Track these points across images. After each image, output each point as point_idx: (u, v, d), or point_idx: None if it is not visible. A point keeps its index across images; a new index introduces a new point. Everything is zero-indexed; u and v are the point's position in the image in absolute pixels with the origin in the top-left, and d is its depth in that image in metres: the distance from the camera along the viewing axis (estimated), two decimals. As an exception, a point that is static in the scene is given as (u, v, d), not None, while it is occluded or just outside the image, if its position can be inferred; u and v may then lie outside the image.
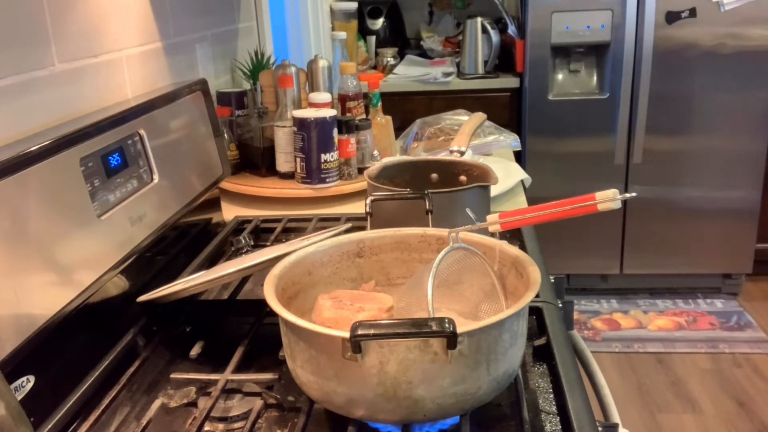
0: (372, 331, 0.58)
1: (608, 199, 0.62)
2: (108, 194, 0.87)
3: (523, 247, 1.10)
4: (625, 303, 2.80)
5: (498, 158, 1.57)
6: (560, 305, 0.98)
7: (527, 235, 1.14)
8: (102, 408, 0.73)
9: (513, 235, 1.14)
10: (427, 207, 0.89)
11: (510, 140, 1.60)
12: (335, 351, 0.63)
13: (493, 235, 0.82)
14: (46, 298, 0.75)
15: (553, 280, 1.07)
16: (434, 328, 0.57)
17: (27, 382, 0.70)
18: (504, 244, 0.79)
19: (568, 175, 2.73)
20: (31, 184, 0.74)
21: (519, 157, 2.66)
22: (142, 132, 0.97)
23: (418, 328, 0.58)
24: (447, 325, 0.57)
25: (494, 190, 1.26)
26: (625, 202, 2.73)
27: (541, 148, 2.71)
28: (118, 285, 0.91)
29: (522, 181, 1.43)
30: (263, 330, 0.89)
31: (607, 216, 2.74)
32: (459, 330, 0.59)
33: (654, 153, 2.66)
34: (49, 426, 0.70)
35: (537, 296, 0.93)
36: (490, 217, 0.71)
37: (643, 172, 2.69)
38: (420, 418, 0.66)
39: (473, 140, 1.60)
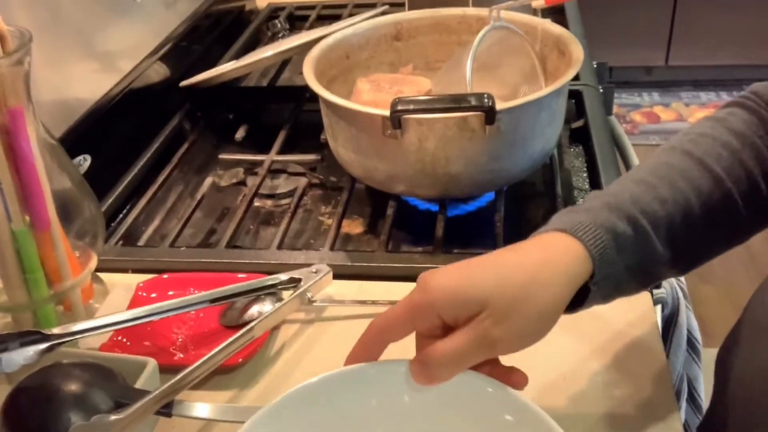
0: (412, 107, 0.59)
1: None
2: (140, -24, 0.85)
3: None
4: (667, 96, 2.74)
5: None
6: (601, 90, 0.96)
7: (571, 18, 1.10)
8: (157, 185, 0.78)
9: (556, 19, 1.10)
10: (467, -14, 0.85)
11: None
12: (376, 129, 0.64)
13: (536, 14, 0.79)
14: (91, 82, 0.77)
15: (595, 65, 1.04)
16: (473, 102, 0.58)
17: (84, 161, 0.75)
18: (547, 23, 0.77)
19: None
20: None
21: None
22: None
23: (456, 103, 0.59)
24: (486, 100, 0.58)
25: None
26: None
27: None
28: (159, 71, 0.92)
29: (569, -38, 1.33)
30: (303, 115, 0.90)
31: (656, 3, 2.59)
32: (498, 107, 0.60)
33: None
34: (110, 200, 0.75)
35: (577, 79, 0.92)
36: (534, -8, 0.68)
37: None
38: (457, 193, 0.69)
39: None
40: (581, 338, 0.55)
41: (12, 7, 0.66)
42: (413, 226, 0.72)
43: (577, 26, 1.08)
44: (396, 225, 0.71)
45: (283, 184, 0.81)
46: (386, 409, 0.42)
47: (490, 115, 0.58)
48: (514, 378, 0.41)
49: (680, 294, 0.70)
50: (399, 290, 0.55)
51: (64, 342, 0.51)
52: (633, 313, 0.57)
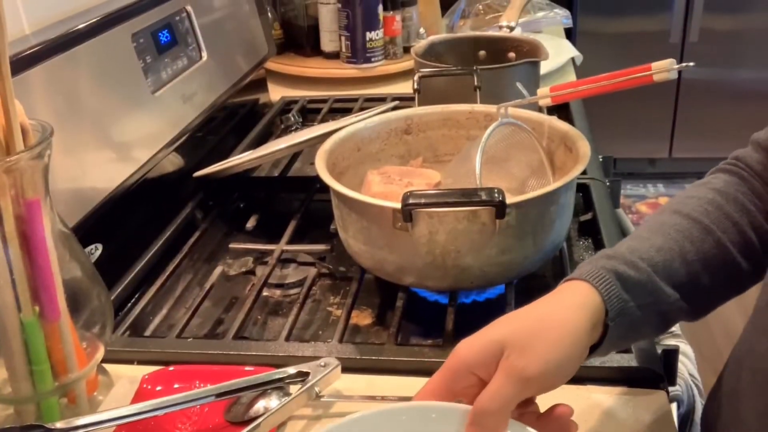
0: (423, 201, 0.59)
1: (664, 69, 0.60)
2: (160, 71, 0.88)
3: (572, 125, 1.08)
4: (672, 187, 2.77)
5: (548, 35, 1.52)
6: (607, 183, 0.98)
7: (576, 114, 1.13)
8: (167, 274, 0.78)
9: (562, 115, 1.12)
10: (476, 83, 0.88)
11: (561, 16, 1.53)
12: (386, 221, 0.65)
13: (542, 111, 0.81)
14: (107, 173, 0.79)
15: (601, 159, 1.06)
16: (483, 197, 0.59)
17: (96, 250, 0.75)
18: (554, 119, 0.79)
19: (620, 56, 2.63)
20: (84, 61, 0.76)
21: (570, 36, 2.57)
22: (189, 8, 0.97)
23: (467, 197, 0.60)
24: (496, 194, 0.59)
25: (544, 68, 1.23)
26: (678, 83, 2.64)
27: (593, 28, 2.60)
28: (173, 162, 0.94)
29: (573, 59, 1.38)
30: (313, 205, 0.91)
31: (659, 97, 2.66)
32: (508, 201, 0.60)
33: (712, 32, 2.53)
34: (119, 290, 0.75)
35: (584, 173, 0.93)
36: (540, 91, 0.70)
37: (700, 51, 2.57)
38: (467, 285, 0.69)
39: (522, 17, 1.55)
40: (597, 439, 0.54)
41: (32, 97, 0.69)
42: (423, 317, 0.72)
43: (582, 121, 1.11)
44: (405, 317, 0.70)
45: (292, 274, 0.81)
46: None
47: (500, 209, 0.59)
48: (558, 410, 0.43)
49: (695, 391, 0.69)
50: (409, 385, 0.54)
51: (67, 437, 0.50)
52: (648, 413, 0.56)
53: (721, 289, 0.51)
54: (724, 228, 0.50)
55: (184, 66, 0.94)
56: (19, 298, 0.52)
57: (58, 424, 0.50)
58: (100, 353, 0.58)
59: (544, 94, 0.70)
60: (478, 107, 0.85)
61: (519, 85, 0.79)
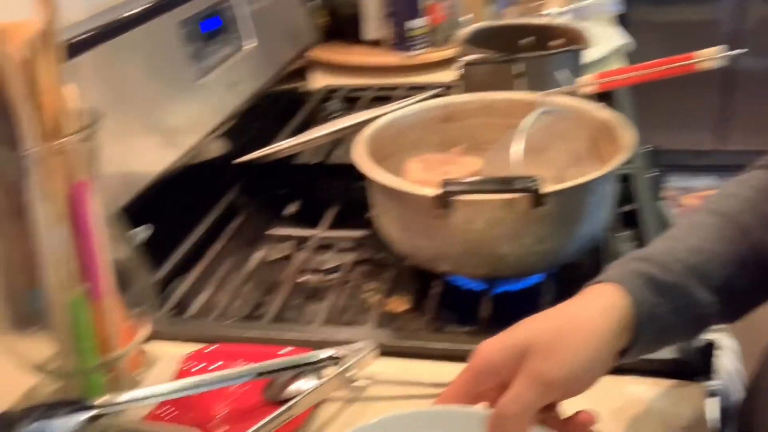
0: (461, 188, 0.60)
1: (709, 57, 0.59)
2: (205, 58, 0.89)
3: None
4: (722, 180, 2.69)
5: (596, 23, 1.49)
6: (652, 174, 0.96)
7: (623, 103, 1.10)
8: (210, 258, 0.80)
9: (608, 105, 1.11)
10: (516, 71, 0.87)
11: (610, 3, 1.50)
12: (424, 208, 0.65)
13: (586, 98, 0.80)
14: (153, 157, 0.81)
15: (646, 149, 1.04)
16: (520, 185, 0.58)
17: (147, 229, 0.77)
18: (597, 108, 0.78)
19: (675, 44, 2.56)
20: (131, 48, 0.78)
21: (624, 24, 2.52)
22: (234, -5, 0.98)
23: (504, 185, 0.60)
24: (533, 183, 0.58)
25: (593, 55, 1.21)
26: (733, 73, 2.56)
27: (647, 16, 2.54)
28: (218, 148, 0.95)
29: (622, 47, 1.36)
30: (353, 192, 0.91)
31: (708, 87, 2.59)
32: (544, 190, 0.60)
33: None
34: (165, 272, 0.77)
35: (628, 163, 0.92)
36: (582, 79, 0.69)
37: (755, 40, 2.49)
38: (503, 273, 0.69)
39: (571, 4, 1.52)
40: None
41: (82, 83, 0.71)
42: (459, 305, 0.72)
43: (628, 111, 1.09)
44: (442, 304, 0.70)
45: (330, 260, 0.82)
46: None
47: (537, 197, 0.59)
48: (581, 417, 0.42)
49: (739, 385, 0.67)
50: (444, 371, 0.54)
51: (108, 413, 0.52)
52: (684, 407, 0.55)
53: (757, 291, 0.49)
54: (762, 228, 0.49)
55: (229, 54, 0.95)
56: (67, 277, 0.54)
57: (100, 400, 0.52)
58: (144, 332, 0.60)
59: (587, 82, 0.69)
60: (518, 95, 0.84)
61: (556, 74, 0.78)
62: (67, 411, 0.50)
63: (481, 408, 0.42)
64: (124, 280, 0.59)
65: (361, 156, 0.72)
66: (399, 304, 0.74)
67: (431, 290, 0.71)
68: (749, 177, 0.54)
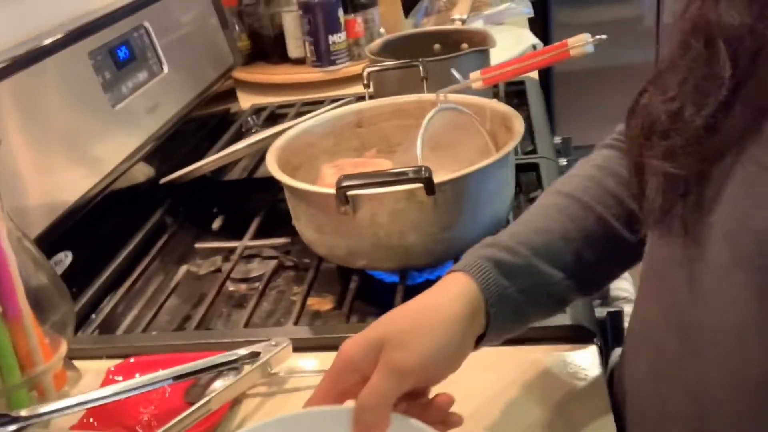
0: (355, 182, 0.63)
1: (580, 43, 0.64)
2: (119, 85, 0.92)
3: (529, 111, 1.12)
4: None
5: (510, 26, 1.55)
6: (565, 163, 1.01)
7: (533, 98, 1.16)
8: (135, 276, 0.82)
9: (522, 101, 1.16)
10: (422, 74, 0.92)
11: (522, 7, 1.57)
12: (331, 207, 0.68)
13: (496, 96, 0.85)
14: (72, 182, 0.82)
15: (559, 141, 1.10)
16: (411, 175, 0.62)
17: (66, 257, 0.79)
18: (493, 102, 0.82)
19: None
20: (44, 77, 0.80)
21: (545, 28, 2.61)
22: (147, 24, 1.01)
23: (396, 176, 0.63)
24: (423, 172, 0.62)
25: (502, 56, 1.27)
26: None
27: (567, 19, 2.63)
28: (143, 171, 0.97)
29: (534, 46, 1.42)
30: (279, 205, 0.95)
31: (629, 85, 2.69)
32: (437, 179, 0.64)
33: (684, 12, 2.56)
34: (90, 293, 0.79)
35: (534, 153, 0.97)
36: (473, 74, 0.74)
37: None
38: (414, 263, 0.73)
39: (485, 10, 1.59)
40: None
41: (6, 120, 0.73)
42: (377, 298, 0.75)
43: (538, 106, 1.14)
44: (361, 298, 0.74)
45: (256, 268, 0.84)
46: None
47: (429, 185, 0.63)
48: (438, 399, 0.44)
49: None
50: None
51: (33, 423, 0.53)
52: (584, 369, 0.59)
53: (608, 264, 0.52)
54: (605, 203, 0.51)
55: (145, 79, 0.98)
56: (-19, 299, 0.56)
57: (23, 412, 0.53)
58: (64, 348, 0.62)
59: (476, 78, 0.73)
60: (426, 96, 0.89)
61: (453, 71, 0.83)
62: (-11, 426, 0.52)
63: (347, 405, 0.43)
64: (41, 300, 0.61)
65: (272, 164, 0.75)
66: (323, 303, 0.77)
67: (351, 286, 0.74)
68: (595, 156, 0.56)
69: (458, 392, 0.46)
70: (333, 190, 0.65)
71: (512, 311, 0.47)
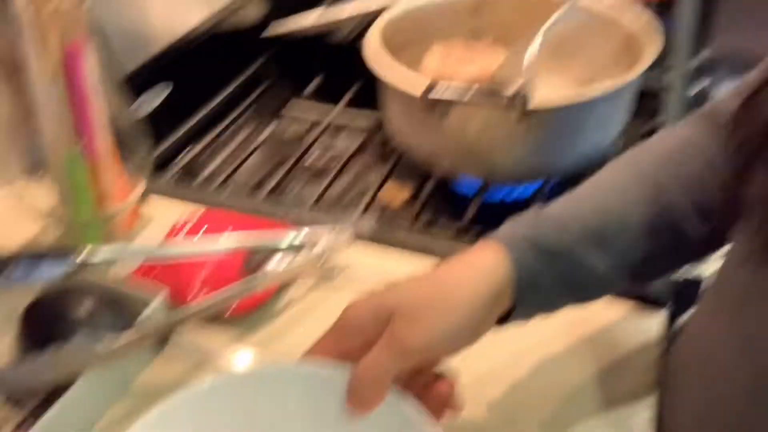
0: (444, 95, 0.58)
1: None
2: None
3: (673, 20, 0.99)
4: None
5: None
6: (707, 84, 0.91)
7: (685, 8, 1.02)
8: (223, 126, 0.82)
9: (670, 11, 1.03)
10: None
11: None
12: (419, 106, 0.64)
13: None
14: (182, 14, 0.81)
15: (698, 63, 0.97)
16: (504, 97, 0.57)
17: (166, 87, 0.79)
18: (630, 13, 0.73)
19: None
20: None
21: None
22: None
23: (490, 97, 0.58)
24: (519, 98, 0.56)
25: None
26: None
27: None
28: (250, 17, 0.95)
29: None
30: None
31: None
32: (533, 106, 0.58)
33: None
34: (177, 136, 0.80)
35: (655, 74, 0.86)
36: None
37: None
38: (497, 178, 0.69)
39: None
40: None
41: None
42: (451, 206, 0.72)
43: (689, 19, 1.00)
44: (434, 202, 0.71)
45: (340, 143, 0.83)
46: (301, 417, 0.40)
47: (523, 112, 0.57)
48: (440, 386, 0.41)
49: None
50: (418, 264, 0.56)
51: (90, 265, 0.56)
52: (646, 332, 0.55)
53: (667, 257, 0.45)
54: (683, 186, 0.44)
55: None
56: (64, 134, 0.57)
57: (85, 251, 0.56)
58: (138, 190, 0.63)
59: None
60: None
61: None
62: (54, 259, 0.54)
63: (344, 368, 0.39)
64: (125, 141, 0.62)
65: (371, 41, 0.70)
66: (396, 195, 0.75)
67: (426, 188, 0.72)
68: (686, 127, 0.48)
69: (494, 336, 0.42)
70: (418, 93, 0.60)
71: (543, 298, 0.42)
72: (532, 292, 0.41)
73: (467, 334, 0.39)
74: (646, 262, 0.44)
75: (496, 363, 0.52)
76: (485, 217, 0.68)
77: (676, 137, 0.47)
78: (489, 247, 0.42)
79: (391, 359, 0.38)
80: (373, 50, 0.69)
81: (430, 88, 0.58)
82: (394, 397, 0.38)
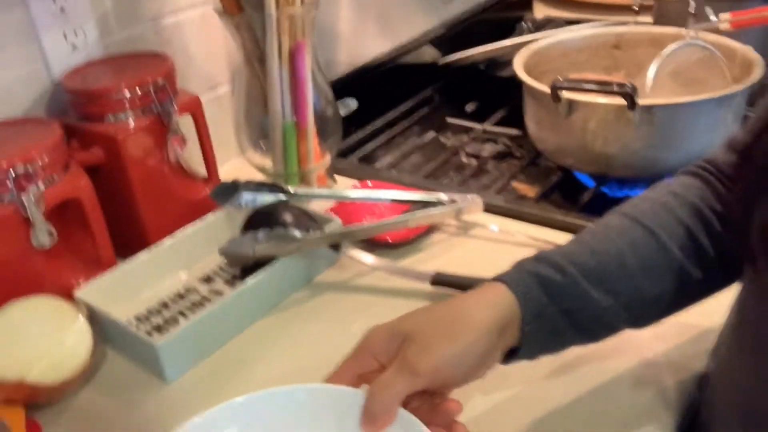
0: (566, 84, 0.75)
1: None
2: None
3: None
4: None
5: None
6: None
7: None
8: (397, 132, 1.05)
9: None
10: (691, 9, 0.95)
11: None
12: (551, 105, 0.81)
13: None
14: (372, 45, 1.05)
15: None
16: (615, 88, 0.72)
17: (352, 102, 1.02)
18: (745, 48, 0.84)
19: None
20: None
21: None
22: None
23: (602, 86, 0.73)
24: (627, 87, 0.71)
25: None
26: None
27: None
28: (428, 51, 1.17)
29: None
30: (521, 103, 1.08)
31: None
32: (646, 101, 0.73)
33: None
34: (362, 135, 1.03)
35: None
36: (722, 15, 0.78)
37: None
38: (612, 172, 0.83)
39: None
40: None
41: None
42: (574, 196, 0.87)
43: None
44: (559, 191, 0.86)
45: (487, 150, 1.01)
46: None
47: (630, 101, 0.72)
48: (445, 405, 0.43)
49: None
50: (536, 232, 0.72)
51: (296, 197, 0.77)
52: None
53: (667, 296, 0.47)
54: (672, 232, 0.47)
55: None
56: (285, 108, 0.80)
57: (293, 188, 0.78)
58: (328, 159, 0.85)
59: (725, 19, 0.77)
60: (684, 31, 0.93)
61: (707, 9, 0.86)
62: (271, 189, 0.77)
63: (360, 389, 0.43)
64: (324, 126, 0.85)
65: (518, 64, 0.88)
66: (530, 190, 0.91)
67: (552, 179, 0.87)
68: (673, 182, 0.52)
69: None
70: (547, 88, 0.77)
71: (550, 331, 0.44)
72: (539, 325, 0.44)
73: (473, 361, 0.42)
74: (648, 301, 0.47)
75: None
76: (597, 203, 0.82)
77: (666, 190, 0.51)
78: (494, 286, 0.45)
79: (401, 381, 0.40)
80: (518, 69, 0.87)
81: (554, 82, 0.75)
82: (404, 417, 0.41)
